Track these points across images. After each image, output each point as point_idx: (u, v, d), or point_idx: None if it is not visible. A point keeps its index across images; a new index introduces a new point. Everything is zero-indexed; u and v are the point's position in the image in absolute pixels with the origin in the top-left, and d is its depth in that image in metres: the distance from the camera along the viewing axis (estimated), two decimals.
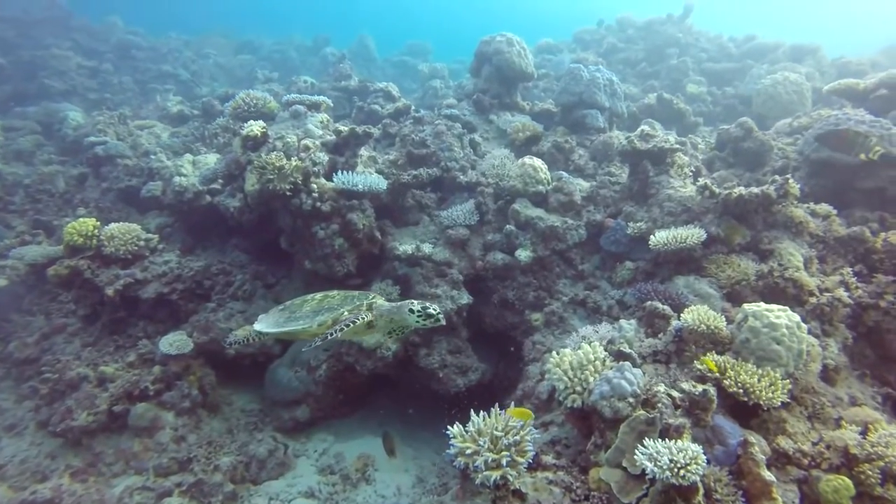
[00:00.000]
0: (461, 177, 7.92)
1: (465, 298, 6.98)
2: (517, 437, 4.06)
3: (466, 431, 4.26)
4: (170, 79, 17.95)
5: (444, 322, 4.14)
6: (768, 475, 3.47)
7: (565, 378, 4.63)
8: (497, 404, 4.39)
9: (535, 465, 4.28)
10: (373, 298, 4.37)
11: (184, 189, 8.34)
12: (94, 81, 16.35)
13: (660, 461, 3.32)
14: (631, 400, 4.11)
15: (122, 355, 7.22)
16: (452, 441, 4.20)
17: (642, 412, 4.05)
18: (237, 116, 8.42)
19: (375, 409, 8.14)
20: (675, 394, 4.02)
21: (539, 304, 7.02)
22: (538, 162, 7.46)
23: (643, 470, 3.58)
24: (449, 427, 4.29)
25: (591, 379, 4.52)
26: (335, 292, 4.54)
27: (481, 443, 4.03)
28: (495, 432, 4.08)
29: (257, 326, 4.54)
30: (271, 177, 6.42)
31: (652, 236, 6.00)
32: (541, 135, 8.86)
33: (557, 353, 4.91)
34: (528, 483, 4.05)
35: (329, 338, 4.11)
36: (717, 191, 5.92)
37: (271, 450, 6.85)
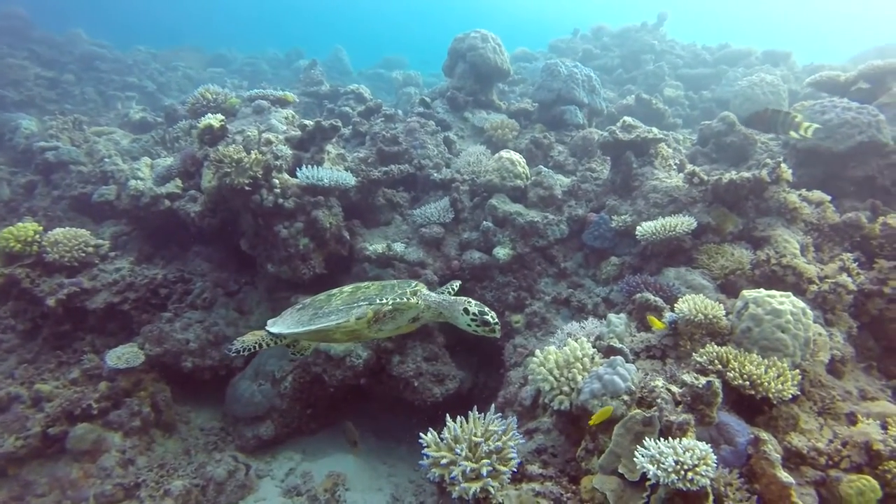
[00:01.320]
0: (435, 174, 7.49)
1: None
2: (499, 444, 3.57)
3: (441, 439, 3.75)
4: (135, 90, 17.35)
5: (498, 335, 3.57)
6: (786, 477, 3.03)
7: (550, 378, 4.18)
8: (475, 408, 3.90)
9: (519, 476, 3.78)
10: (416, 287, 3.78)
11: (140, 193, 7.75)
12: (53, 92, 15.64)
13: (664, 463, 2.86)
14: (625, 398, 3.66)
15: (64, 372, 6.54)
16: (426, 450, 3.69)
17: (638, 411, 3.59)
18: (196, 113, 7.90)
19: None
20: (675, 389, 3.58)
21: (519, 304, 6.57)
22: (516, 155, 7.07)
23: (643, 475, 3.11)
24: (422, 435, 3.79)
25: (579, 378, 4.08)
26: (368, 283, 3.96)
27: (458, 451, 3.53)
28: (474, 438, 3.58)
29: (273, 329, 3.95)
30: (228, 170, 5.91)
31: (639, 227, 5.62)
32: (518, 132, 8.51)
33: (541, 352, 4.46)
34: (511, 496, 3.55)
35: (371, 332, 3.64)
36: (706, 177, 5.58)
37: (231, 471, 6.22)
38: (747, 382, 3.51)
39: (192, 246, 8.19)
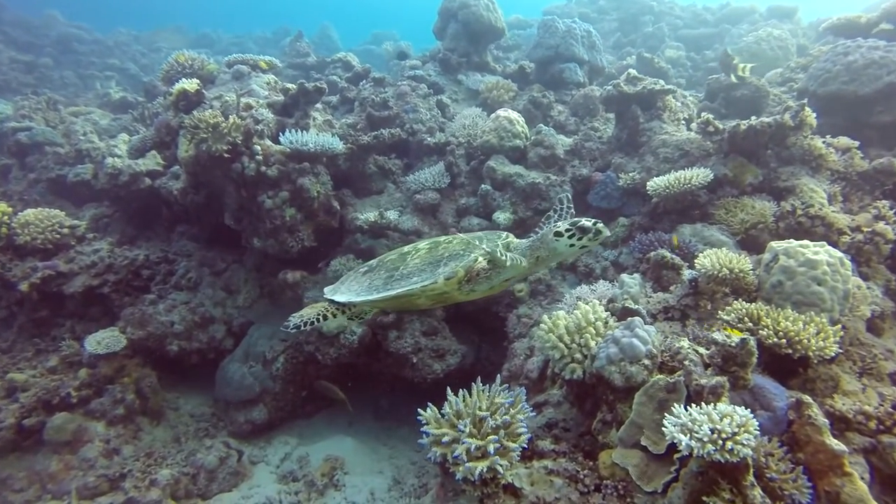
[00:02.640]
0: (429, 139, 7.03)
1: None
2: (506, 418, 3.18)
3: (442, 415, 3.37)
4: (117, 72, 16.75)
5: (607, 232, 2.95)
6: (836, 444, 2.64)
7: (561, 345, 3.79)
8: (478, 379, 3.52)
9: (529, 453, 3.42)
10: (507, 238, 3.23)
11: (118, 171, 7.30)
12: (30, 76, 15.09)
13: (698, 432, 2.47)
14: (646, 362, 3.27)
15: (42, 360, 6.18)
16: (425, 428, 3.31)
17: (661, 376, 3.21)
18: (170, 81, 7.39)
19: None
20: (702, 350, 3.18)
21: None
22: (514, 114, 6.61)
23: (670, 446, 2.74)
24: (420, 411, 3.41)
25: (592, 343, 3.70)
26: (447, 238, 3.39)
27: (461, 427, 3.15)
28: (478, 412, 3.20)
29: (339, 297, 3.42)
30: (205, 136, 5.45)
31: (650, 183, 5.19)
32: (515, 93, 8.02)
33: (549, 318, 4.07)
34: (522, 475, 3.18)
35: (461, 294, 3.14)
36: (722, 126, 5.13)
37: (222, 457, 5.88)
38: (783, 340, 3.11)
39: (176, 226, 7.77)
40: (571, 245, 2.92)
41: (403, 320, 6.09)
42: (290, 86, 6.53)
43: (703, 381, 2.88)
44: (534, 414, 3.69)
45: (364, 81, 8.31)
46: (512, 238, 3.20)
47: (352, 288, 3.41)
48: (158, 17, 28.39)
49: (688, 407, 2.68)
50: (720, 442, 2.40)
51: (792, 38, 10.70)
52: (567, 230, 2.90)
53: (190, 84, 5.93)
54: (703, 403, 2.70)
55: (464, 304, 6.63)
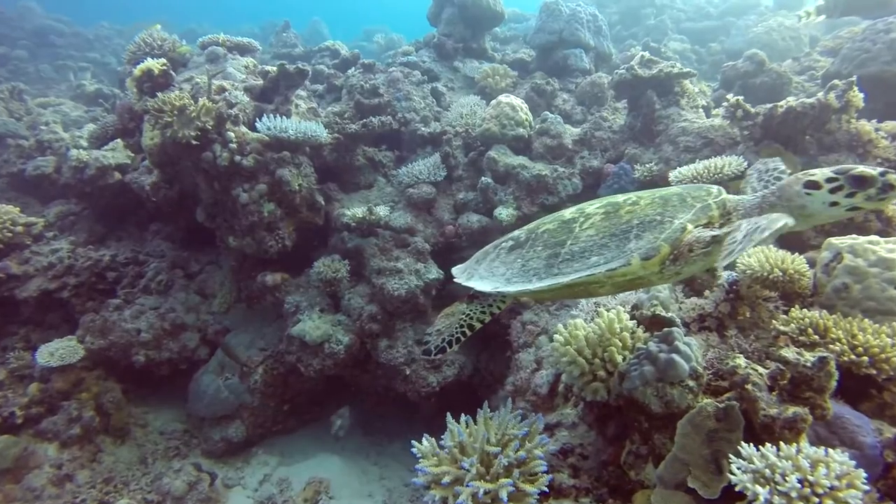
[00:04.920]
0: (423, 128, 6.43)
1: (434, 273, 5.48)
2: (522, 454, 2.58)
3: (441, 447, 2.76)
4: (98, 67, 16.01)
5: None
6: None
7: (581, 360, 3.20)
8: (486, 403, 2.91)
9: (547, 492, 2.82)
10: (719, 195, 2.23)
11: (83, 164, 6.65)
12: (3, 69, 14.33)
13: (781, 484, 1.87)
14: (690, 383, 2.68)
15: None
16: (421, 464, 2.71)
17: (709, 401, 2.62)
18: (138, 63, 6.72)
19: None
20: (761, 369, 2.59)
21: None
22: (517, 100, 6.01)
23: (727, 488, 2.16)
24: (415, 443, 2.79)
25: (618, 358, 3.11)
26: (627, 196, 2.41)
27: (465, 465, 2.54)
28: (487, 447, 2.59)
29: (482, 286, 2.54)
30: (170, 120, 4.81)
31: (673, 173, 4.60)
32: (515, 80, 7.43)
33: (565, 327, 3.47)
34: None
35: (662, 278, 2.24)
36: (754, 110, 4.56)
37: (192, 482, 5.26)
38: (864, 358, 2.52)
39: (150, 225, 7.12)
40: (834, 204, 1.92)
41: (395, 328, 5.48)
42: (269, 68, 5.91)
43: (772, 412, 2.28)
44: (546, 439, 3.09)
45: (353, 68, 7.69)
46: (725, 194, 2.27)
47: (496, 271, 2.54)
48: (143, 11, 27.59)
49: (759, 447, 2.08)
50: (815, 500, 1.81)
51: (805, 28, 10.18)
52: (830, 179, 1.92)
53: (155, 63, 5.29)
54: (777, 442, 2.10)
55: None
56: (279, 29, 12.59)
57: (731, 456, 2.12)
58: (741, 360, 2.59)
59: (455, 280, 2.71)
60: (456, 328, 2.64)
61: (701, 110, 5.88)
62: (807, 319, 2.79)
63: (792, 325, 2.83)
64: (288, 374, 5.90)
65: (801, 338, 2.76)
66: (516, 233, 2.71)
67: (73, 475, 5.05)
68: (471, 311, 2.70)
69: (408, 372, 5.36)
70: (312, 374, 5.42)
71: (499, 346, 5.95)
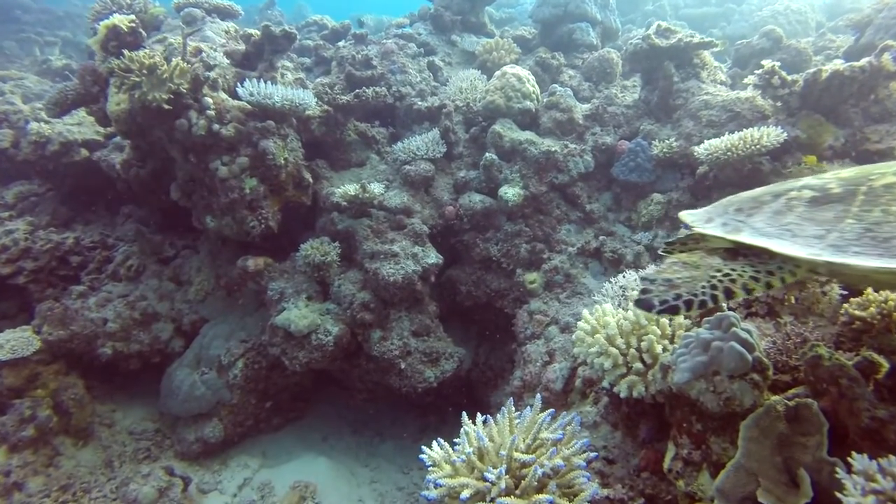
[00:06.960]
0: (419, 103, 5.92)
1: (433, 257, 4.99)
2: (559, 462, 2.10)
3: (458, 456, 2.28)
4: (70, 46, 15.18)
5: None
6: None
7: (613, 350, 2.77)
8: (511, 400, 2.44)
9: None
10: None
11: (45, 139, 6.05)
12: None
13: None
14: (755, 377, 2.24)
15: None
16: (432, 475, 2.23)
17: (778, 398, 2.20)
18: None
19: (319, 416, 6.07)
20: (844, 360, 2.15)
21: (535, 259, 5.09)
22: (523, 71, 5.54)
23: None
24: (426, 449, 2.31)
25: (657, 348, 2.68)
26: None
27: (491, 476, 2.07)
28: (516, 454, 2.12)
29: (762, 241, 1.75)
30: (138, 79, 4.25)
31: (700, 147, 4.16)
32: (518, 55, 6.95)
33: (592, 313, 3.04)
34: None
35: None
36: (792, 77, 4.13)
37: (162, 488, 4.71)
38: None
39: (121, 207, 6.54)
40: None
41: (389, 317, 4.98)
42: (253, 31, 5.36)
43: (880, 413, 1.84)
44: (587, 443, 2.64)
45: (343, 40, 7.15)
46: None
47: (801, 230, 1.74)
48: None
49: (877, 460, 1.64)
50: None
51: (812, 12, 9.84)
52: None
53: (123, 19, 4.71)
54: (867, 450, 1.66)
55: (462, 299, 5.57)
56: (263, 6, 11.98)
57: (837, 468, 1.67)
58: (823, 350, 2.14)
59: (700, 230, 1.93)
60: (705, 286, 1.76)
61: (722, 83, 5.47)
62: (892, 303, 2.34)
63: (871, 308, 2.39)
64: (271, 369, 5.39)
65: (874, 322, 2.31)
66: (809, 181, 1.94)
67: (24, 483, 4.48)
68: (737, 271, 1.80)
69: (402, 366, 4.87)
70: (298, 367, 4.90)
71: (498, 337, 5.51)
